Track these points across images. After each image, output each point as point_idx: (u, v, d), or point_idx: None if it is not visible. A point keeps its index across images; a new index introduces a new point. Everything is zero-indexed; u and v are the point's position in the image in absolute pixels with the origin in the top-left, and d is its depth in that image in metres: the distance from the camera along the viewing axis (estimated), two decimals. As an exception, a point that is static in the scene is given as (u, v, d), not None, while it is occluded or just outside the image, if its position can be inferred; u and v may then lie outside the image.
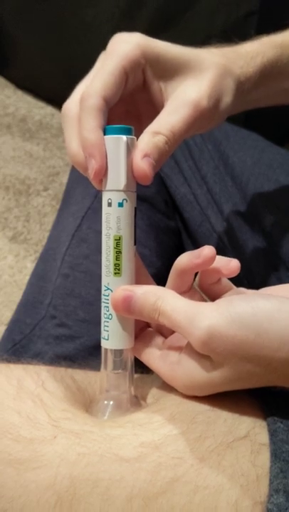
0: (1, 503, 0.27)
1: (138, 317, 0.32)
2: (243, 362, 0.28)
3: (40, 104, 1.18)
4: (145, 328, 0.34)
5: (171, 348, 0.32)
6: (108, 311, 0.32)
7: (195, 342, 0.29)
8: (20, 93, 1.21)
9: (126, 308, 0.31)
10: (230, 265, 0.33)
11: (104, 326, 0.32)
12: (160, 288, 0.32)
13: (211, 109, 0.35)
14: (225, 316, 0.28)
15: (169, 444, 0.28)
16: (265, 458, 0.28)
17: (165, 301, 0.31)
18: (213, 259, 0.32)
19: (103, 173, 0.31)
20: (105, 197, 0.32)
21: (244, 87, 0.39)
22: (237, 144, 0.58)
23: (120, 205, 0.31)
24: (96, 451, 0.28)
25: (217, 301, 0.30)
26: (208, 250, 0.31)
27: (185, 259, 0.33)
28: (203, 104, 0.34)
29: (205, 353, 0.29)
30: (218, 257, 0.33)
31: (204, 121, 0.36)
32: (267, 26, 0.83)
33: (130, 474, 0.27)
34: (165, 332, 0.34)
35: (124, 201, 0.31)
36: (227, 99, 0.37)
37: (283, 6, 0.82)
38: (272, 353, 0.28)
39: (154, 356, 0.33)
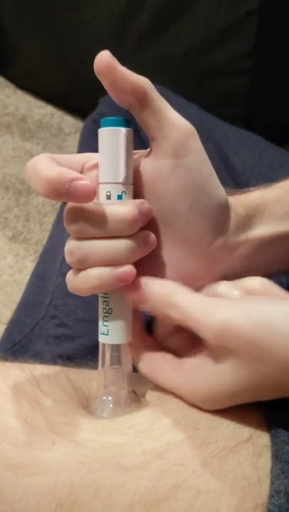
0: (1, 506, 0.27)
1: (149, 310, 0.31)
2: (258, 362, 0.27)
3: (40, 103, 1.18)
4: (150, 348, 0.33)
5: (185, 357, 0.31)
6: (107, 305, 0.32)
7: (208, 335, 0.28)
8: (20, 93, 1.21)
9: (139, 299, 0.31)
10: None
11: (104, 321, 0.32)
12: (173, 282, 0.31)
13: None
14: (242, 312, 0.28)
15: (172, 451, 0.28)
16: (266, 460, 0.28)
17: (178, 294, 0.30)
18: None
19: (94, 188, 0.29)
20: (103, 190, 0.31)
21: None
22: (237, 145, 0.58)
23: (119, 197, 0.31)
24: (97, 459, 0.28)
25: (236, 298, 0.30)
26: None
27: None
28: None
29: (217, 349, 0.28)
30: None
31: None
32: (267, 26, 0.83)
33: (132, 481, 0.27)
34: (172, 345, 0.33)
35: (124, 193, 0.31)
36: None
37: (283, 5, 0.82)
38: None
39: (166, 370, 0.32)
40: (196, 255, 0.32)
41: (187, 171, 0.30)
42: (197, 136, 0.31)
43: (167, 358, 0.32)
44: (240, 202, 0.33)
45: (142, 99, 0.30)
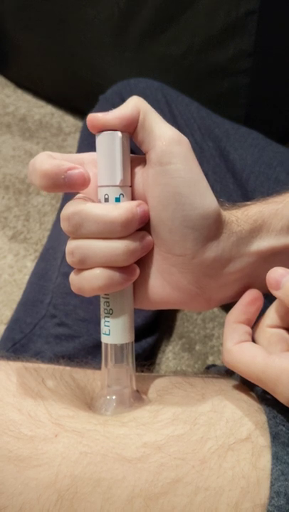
0: (0, 499, 0.27)
1: (283, 297, 0.30)
2: None
3: (40, 103, 1.18)
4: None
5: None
6: (108, 306, 0.32)
7: None
8: (20, 92, 1.21)
9: (276, 287, 0.31)
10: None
11: (105, 321, 0.32)
12: None
13: None
14: None
15: (172, 445, 0.28)
16: (266, 460, 0.28)
17: None
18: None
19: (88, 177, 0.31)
20: (102, 192, 0.32)
21: None
22: (237, 142, 0.58)
23: (117, 199, 0.31)
24: (98, 450, 0.28)
25: None
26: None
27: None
28: None
29: None
30: None
31: None
32: (267, 26, 0.83)
33: (132, 474, 0.27)
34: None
35: (121, 196, 0.31)
36: None
37: (283, 5, 0.82)
38: None
39: (260, 353, 0.30)
40: (181, 267, 0.32)
41: (170, 178, 0.30)
42: (184, 144, 0.31)
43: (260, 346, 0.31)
44: (235, 217, 0.33)
45: (135, 126, 0.31)
